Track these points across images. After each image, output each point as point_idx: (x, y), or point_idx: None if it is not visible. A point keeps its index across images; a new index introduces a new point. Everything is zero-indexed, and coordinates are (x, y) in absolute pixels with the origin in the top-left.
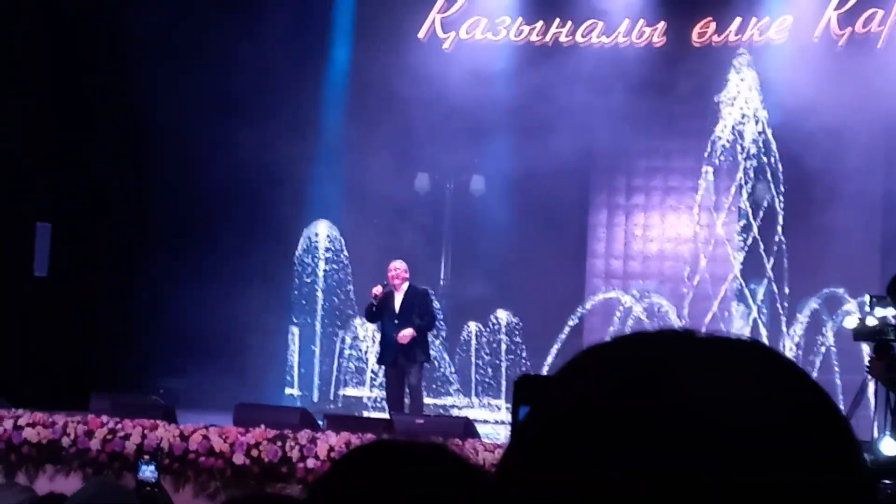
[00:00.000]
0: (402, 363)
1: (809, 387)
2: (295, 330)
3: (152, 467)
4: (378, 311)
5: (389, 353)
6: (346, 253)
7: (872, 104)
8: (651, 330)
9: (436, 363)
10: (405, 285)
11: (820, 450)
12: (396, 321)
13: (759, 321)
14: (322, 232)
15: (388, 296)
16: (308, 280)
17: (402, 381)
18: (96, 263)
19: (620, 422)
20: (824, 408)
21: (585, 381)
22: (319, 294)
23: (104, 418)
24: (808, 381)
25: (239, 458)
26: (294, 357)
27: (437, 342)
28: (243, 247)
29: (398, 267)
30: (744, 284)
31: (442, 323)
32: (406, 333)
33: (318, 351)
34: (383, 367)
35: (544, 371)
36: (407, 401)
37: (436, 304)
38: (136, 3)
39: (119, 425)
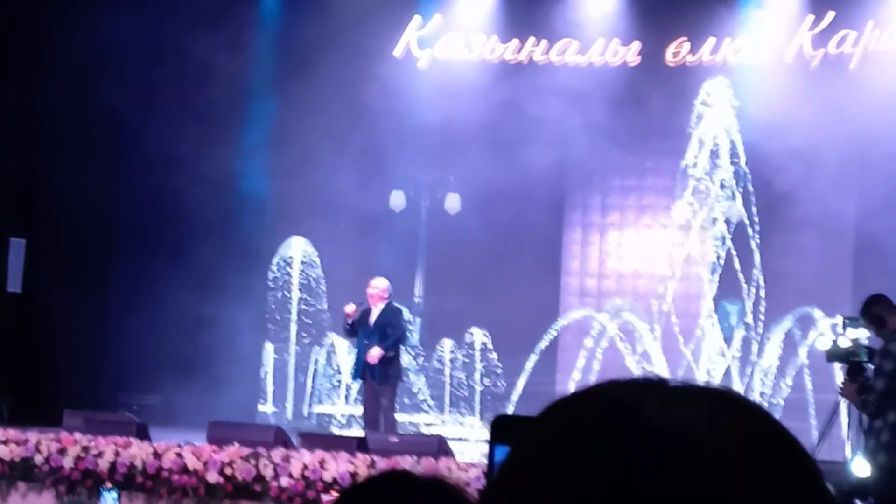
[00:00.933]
0: (374, 381)
1: (778, 427)
2: (269, 347)
3: (114, 494)
4: (353, 328)
5: (361, 370)
6: (320, 270)
7: (845, 125)
8: (624, 379)
9: (410, 380)
10: (382, 304)
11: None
12: (368, 340)
13: (733, 340)
14: (297, 248)
15: (364, 312)
16: (282, 296)
17: (377, 397)
18: (70, 280)
19: (600, 460)
20: (794, 447)
21: (566, 423)
22: (294, 311)
23: (77, 436)
24: (776, 423)
25: (212, 477)
26: (268, 374)
27: (413, 359)
28: (217, 263)
29: (378, 286)
30: (718, 303)
31: (417, 340)
32: (374, 354)
33: (292, 368)
34: (360, 382)
35: (516, 391)
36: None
37: (408, 321)
38: (106, 17)
39: (92, 443)
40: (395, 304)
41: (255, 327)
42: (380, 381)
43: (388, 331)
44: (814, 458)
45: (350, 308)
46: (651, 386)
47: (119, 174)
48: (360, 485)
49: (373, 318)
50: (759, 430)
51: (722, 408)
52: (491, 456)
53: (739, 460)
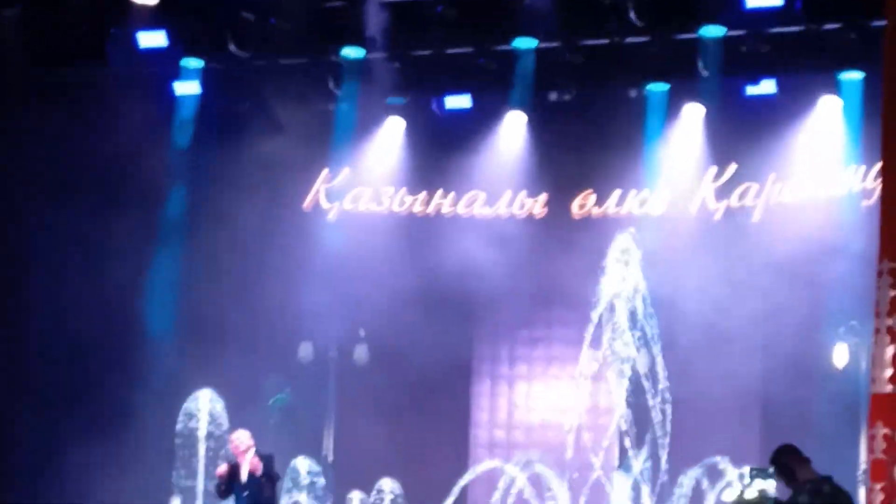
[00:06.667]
0: None
1: None
2: (176, 502)
3: None
4: (227, 487)
5: None
6: (227, 423)
7: (751, 278)
8: None
9: None
10: (249, 454)
11: None
12: (245, 493)
13: (641, 491)
14: (204, 401)
15: (234, 469)
16: (189, 450)
17: None
18: None
19: None
20: None
21: None
22: (200, 465)
23: None
24: None
25: None
26: None
27: None
28: (124, 419)
29: (235, 439)
30: (626, 453)
31: (327, 492)
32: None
33: None
34: None
35: None
36: None
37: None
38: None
39: None
40: (265, 452)
41: (161, 482)
42: None
43: (263, 479)
44: None
45: (222, 469)
46: None
47: (26, 320)
48: None
49: (243, 472)
50: None
51: None
52: None
53: None
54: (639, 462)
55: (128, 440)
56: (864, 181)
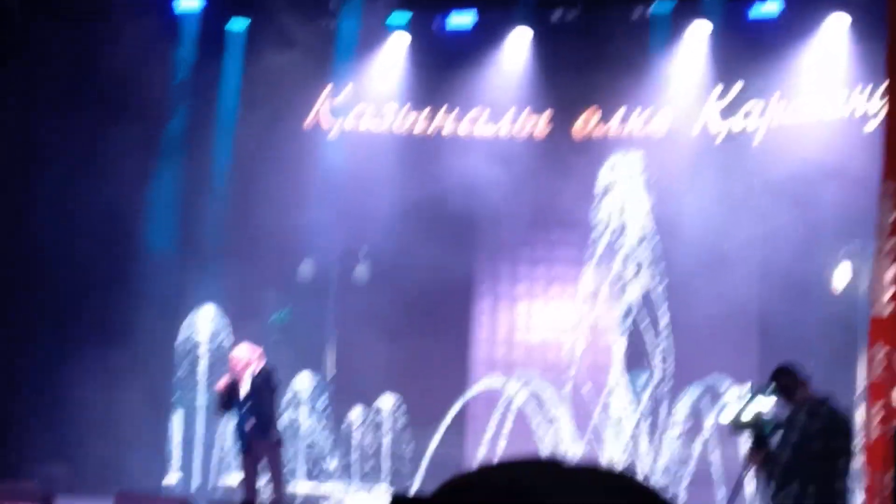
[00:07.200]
0: (256, 449)
1: None
2: (177, 416)
3: None
4: (227, 403)
5: (243, 441)
6: (229, 339)
7: (750, 199)
8: (518, 459)
9: (319, 448)
10: (249, 371)
11: None
12: (244, 408)
13: (640, 409)
14: (205, 318)
15: (234, 384)
16: (190, 366)
17: (255, 467)
18: None
19: None
20: None
21: None
22: (201, 380)
23: None
24: None
25: None
26: (175, 444)
27: (321, 426)
28: (126, 333)
29: (234, 357)
30: (626, 373)
31: (327, 408)
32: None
33: (199, 438)
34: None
35: (425, 460)
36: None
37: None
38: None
39: None
40: (265, 367)
41: (163, 397)
42: (262, 445)
43: (264, 395)
44: None
45: (222, 383)
46: (545, 469)
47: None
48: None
49: (242, 388)
50: None
51: (615, 491)
52: None
53: None
54: (638, 381)
55: (128, 354)
56: (868, 102)
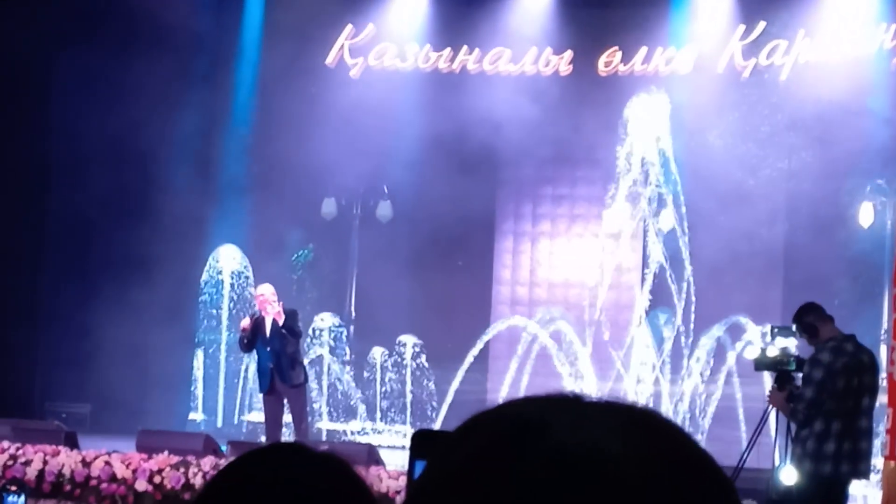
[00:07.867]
0: (280, 389)
1: (691, 446)
2: (200, 355)
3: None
4: (251, 341)
5: (265, 380)
6: (251, 277)
7: (776, 137)
8: (539, 396)
9: (341, 387)
10: (274, 307)
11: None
12: (269, 347)
13: (664, 348)
14: (227, 256)
15: (259, 322)
16: (213, 304)
17: (279, 407)
18: None
19: (506, 480)
20: (706, 466)
21: (476, 442)
22: (224, 319)
23: (5, 444)
24: (689, 441)
25: (141, 485)
26: (198, 382)
27: (344, 367)
28: (148, 271)
29: (262, 293)
30: (648, 311)
31: (348, 348)
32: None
33: (222, 376)
34: (262, 394)
35: (447, 399)
36: (288, 427)
37: (300, 324)
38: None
39: (20, 451)
40: (289, 307)
41: (185, 336)
42: (287, 385)
43: (286, 333)
44: (731, 480)
45: (246, 322)
46: (565, 403)
47: (48, 177)
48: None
49: (268, 325)
50: (671, 450)
51: (636, 426)
52: (411, 470)
53: (648, 481)
54: (660, 320)
55: (150, 291)
56: (894, 40)
